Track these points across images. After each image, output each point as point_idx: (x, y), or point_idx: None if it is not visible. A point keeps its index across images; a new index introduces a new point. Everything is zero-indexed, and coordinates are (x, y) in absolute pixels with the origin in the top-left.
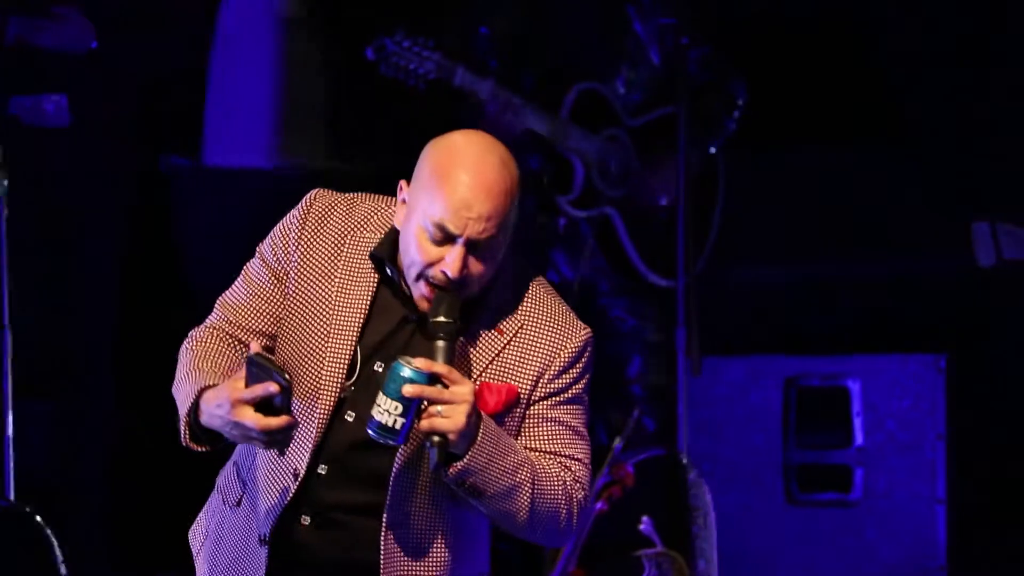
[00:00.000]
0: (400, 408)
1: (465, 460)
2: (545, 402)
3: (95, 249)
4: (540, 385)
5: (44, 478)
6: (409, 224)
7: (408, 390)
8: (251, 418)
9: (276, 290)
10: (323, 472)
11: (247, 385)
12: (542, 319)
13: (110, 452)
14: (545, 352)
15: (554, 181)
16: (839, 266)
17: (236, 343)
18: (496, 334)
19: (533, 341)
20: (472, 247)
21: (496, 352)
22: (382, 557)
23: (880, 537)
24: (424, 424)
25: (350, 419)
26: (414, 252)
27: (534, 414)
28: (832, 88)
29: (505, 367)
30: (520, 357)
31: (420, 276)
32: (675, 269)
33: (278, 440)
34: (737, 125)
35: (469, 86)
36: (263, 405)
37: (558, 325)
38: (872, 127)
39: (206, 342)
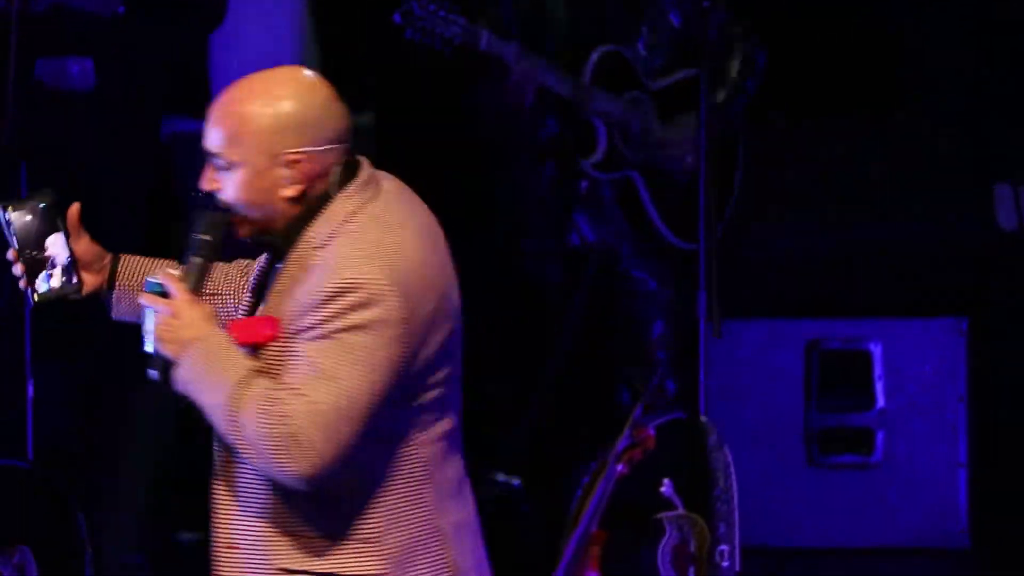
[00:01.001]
0: (150, 317)
1: (176, 371)
2: (298, 336)
3: (116, 212)
4: (297, 319)
5: (64, 440)
6: None
7: (140, 299)
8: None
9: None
10: None
11: None
12: (329, 258)
13: (131, 414)
14: (312, 289)
15: (577, 144)
16: (861, 230)
17: None
18: (300, 272)
19: (312, 276)
20: (215, 162)
21: (286, 287)
22: (213, 501)
23: (901, 500)
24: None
25: None
26: None
27: (290, 347)
28: (854, 52)
29: (285, 300)
30: (298, 292)
31: None
32: (696, 232)
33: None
34: (757, 89)
35: (495, 50)
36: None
37: (333, 266)
38: (894, 91)
39: None
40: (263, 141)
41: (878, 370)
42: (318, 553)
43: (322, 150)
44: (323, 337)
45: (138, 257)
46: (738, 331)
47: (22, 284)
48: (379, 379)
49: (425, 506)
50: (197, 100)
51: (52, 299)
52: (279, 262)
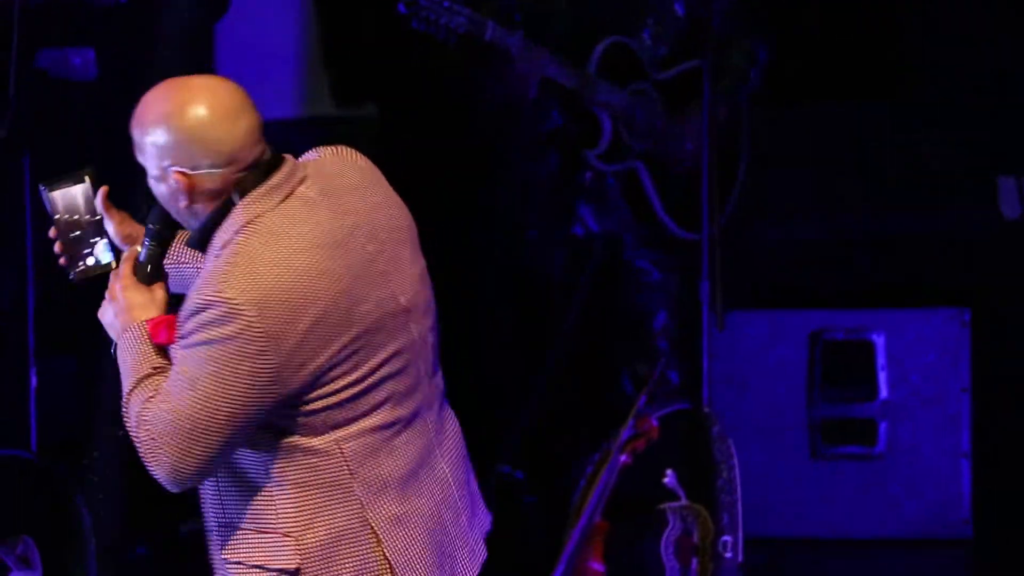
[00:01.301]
0: None
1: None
2: (178, 342)
3: (120, 203)
4: (180, 327)
5: (67, 431)
6: None
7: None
8: None
9: None
10: None
11: None
12: (207, 270)
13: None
14: (188, 299)
15: (581, 135)
16: (864, 220)
17: None
18: (196, 273)
19: (198, 282)
20: None
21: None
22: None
23: (904, 491)
24: None
25: None
26: None
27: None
28: (858, 42)
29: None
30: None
31: None
32: (700, 223)
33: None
34: (761, 80)
35: (499, 41)
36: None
37: (204, 280)
38: (897, 81)
39: None
40: (152, 155)
41: (881, 361)
42: (248, 544)
43: (202, 173)
44: (188, 347)
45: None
46: (741, 322)
47: (62, 261)
48: (242, 390)
49: (349, 501)
50: None
51: (93, 275)
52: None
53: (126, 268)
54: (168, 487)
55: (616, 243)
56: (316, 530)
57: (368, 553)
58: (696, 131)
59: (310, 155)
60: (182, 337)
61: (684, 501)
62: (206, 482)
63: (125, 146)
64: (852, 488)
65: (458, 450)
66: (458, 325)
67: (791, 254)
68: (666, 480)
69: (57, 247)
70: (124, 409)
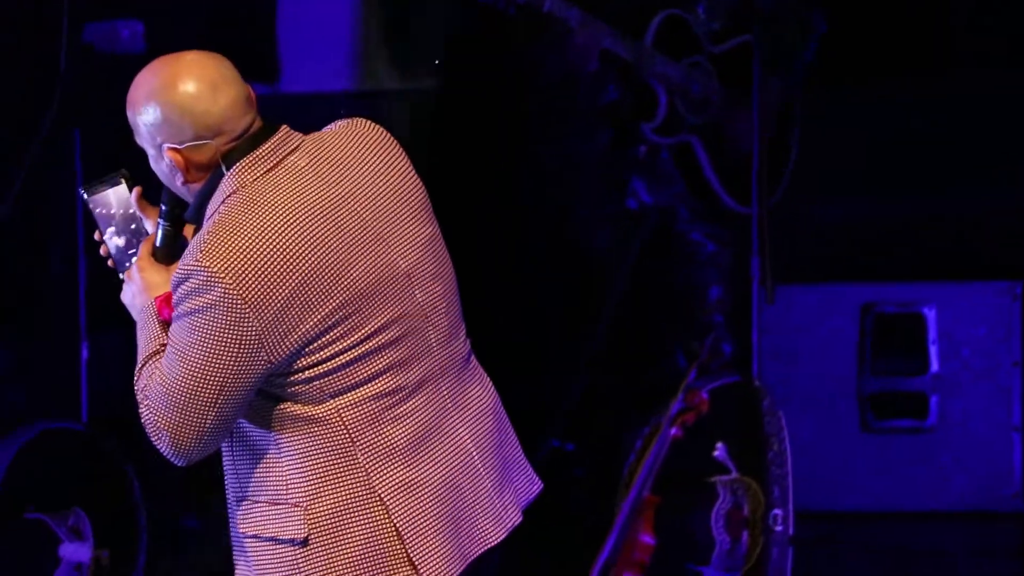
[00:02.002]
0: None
1: None
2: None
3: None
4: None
5: (117, 404)
6: None
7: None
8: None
9: None
10: None
11: None
12: (193, 240)
13: None
14: (176, 270)
15: (637, 108)
16: (915, 193)
17: None
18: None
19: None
20: None
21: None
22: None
23: (955, 464)
24: None
25: None
26: None
27: None
28: (912, 18)
29: None
30: None
31: None
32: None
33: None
34: (816, 55)
35: (558, 12)
36: None
37: (189, 250)
38: (949, 58)
39: None
40: (146, 134)
41: (932, 334)
42: (261, 517)
43: (191, 146)
44: (176, 318)
45: None
46: (793, 295)
47: (110, 263)
48: (228, 359)
49: (354, 469)
50: (260, 62)
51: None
52: None
53: (143, 249)
54: (174, 461)
55: (669, 216)
56: (323, 499)
57: (376, 521)
58: (749, 105)
59: (327, 128)
60: (173, 307)
61: (734, 474)
62: (224, 457)
63: None
64: (903, 461)
65: (487, 416)
66: (509, 298)
67: (843, 228)
68: (716, 453)
69: (102, 250)
70: (135, 388)
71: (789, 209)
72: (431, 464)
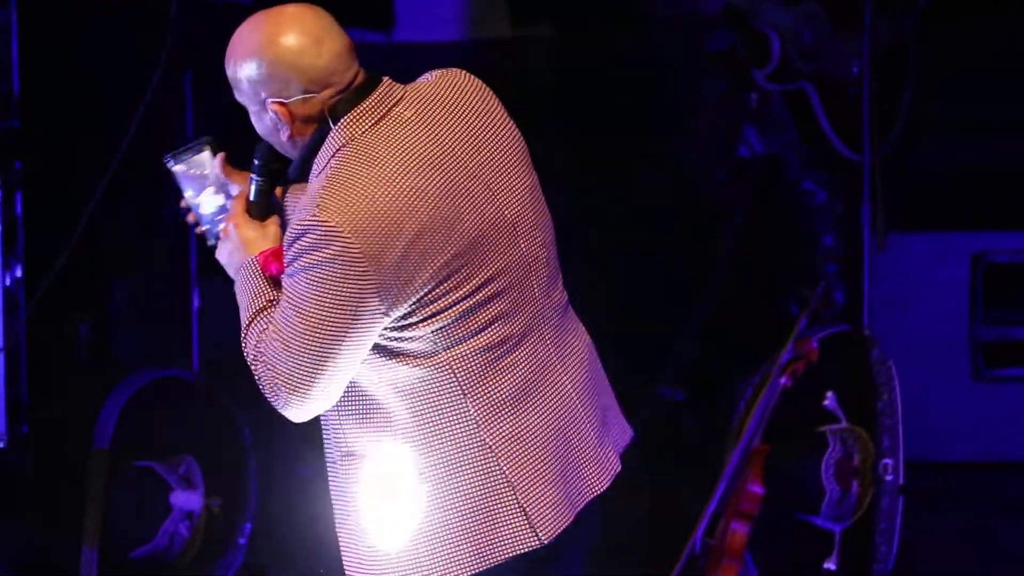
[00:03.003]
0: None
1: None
2: (286, 271)
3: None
4: (286, 254)
5: (228, 351)
6: None
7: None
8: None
9: None
10: None
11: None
12: (307, 194)
13: None
14: (289, 226)
15: (751, 55)
16: None
17: None
18: (299, 201)
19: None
20: None
21: (288, 216)
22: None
23: None
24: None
25: None
26: None
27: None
28: None
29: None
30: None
31: None
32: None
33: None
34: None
35: None
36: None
37: (303, 204)
38: None
39: None
40: (248, 89)
41: None
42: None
43: (297, 100)
44: (292, 274)
45: None
46: (904, 244)
47: (199, 230)
48: (346, 313)
49: (466, 421)
50: (376, 11)
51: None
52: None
53: (238, 206)
54: (292, 418)
55: (781, 165)
56: (435, 453)
57: (487, 473)
58: (862, 50)
59: (421, 78)
60: (287, 263)
61: (844, 424)
62: (327, 413)
63: None
64: (1014, 410)
65: (584, 365)
66: (621, 246)
67: (955, 176)
68: (826, 403)
69: (190, 217)
70: (243, 345)
71: (901, 156)
72: (538, 414)
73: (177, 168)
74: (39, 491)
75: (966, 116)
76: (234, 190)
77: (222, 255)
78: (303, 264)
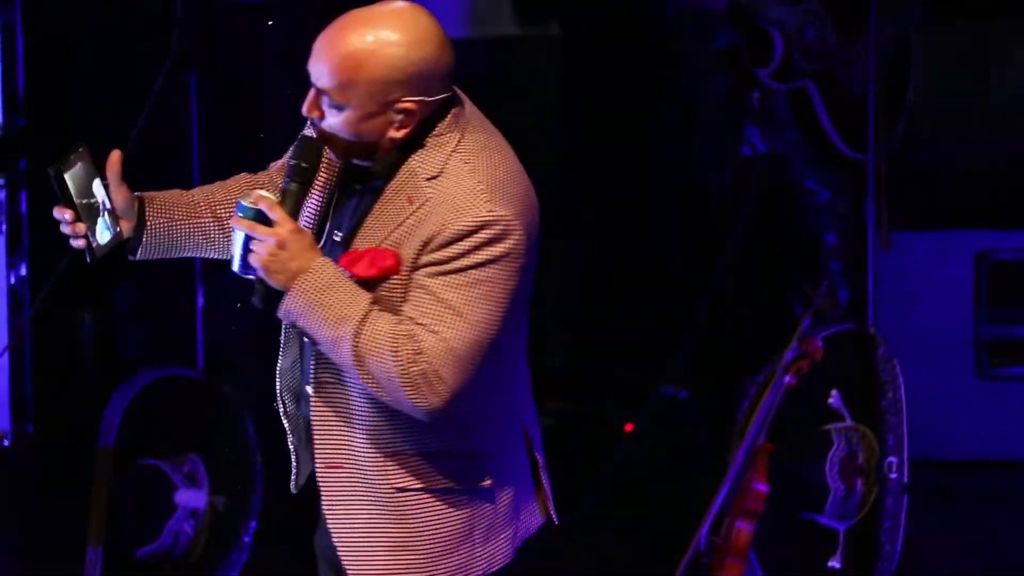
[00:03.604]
0: (240, 239)
1: (282, 302)
2: (422, 271)
3: (284, 122)
4: (422, 254)
5: (233, 350)
6: None
7: (232, 220)
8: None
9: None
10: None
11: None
12: (449, 192)
13: None
14: (435, 224)
15: (753, 54)
16: None
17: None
18: (406, 203)
19: (432, 211)
20: (321, 94)
21: (400, 221)
22: (312, 424)
23: None
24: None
25: None
26: None
27: (413, 282)
28: None
29: (402, 235)
30: (417, 226)
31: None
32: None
33: (71, 235)
34: None
35: None
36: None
37: (461, 200)
38: None
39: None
40: (378, 91)
41: None
42: (429, 470)
43: (435, 99)
44: (453, 272)
45: (158, 194)
46: (908, 242)
47: (80, 243)
48: (504, 312)
49: (513, 412)
50: None
51: (107, 252)
52: (358, 186)
53: (281, 212)
54: (428, 418)
55: (783, 164)
56: (494, 446)
57: (524, 460)
58: (865, 51)
59: None
60: (437, 263)
61: (849, 422)
62: (364, 410)
63: (290, 65)
64: (1019, 409)
65: None
66: (626, 242)
67: (958, 174)
68: (831, 401)
69: (68, 228)
70: (352, 353)
71: (904, 155)
72: (534, 414)
73: (66, 177)
74: (44, 490)
75: (969, 113)
76: (117, 197)
77: (275, 264)
78: (474, 261)
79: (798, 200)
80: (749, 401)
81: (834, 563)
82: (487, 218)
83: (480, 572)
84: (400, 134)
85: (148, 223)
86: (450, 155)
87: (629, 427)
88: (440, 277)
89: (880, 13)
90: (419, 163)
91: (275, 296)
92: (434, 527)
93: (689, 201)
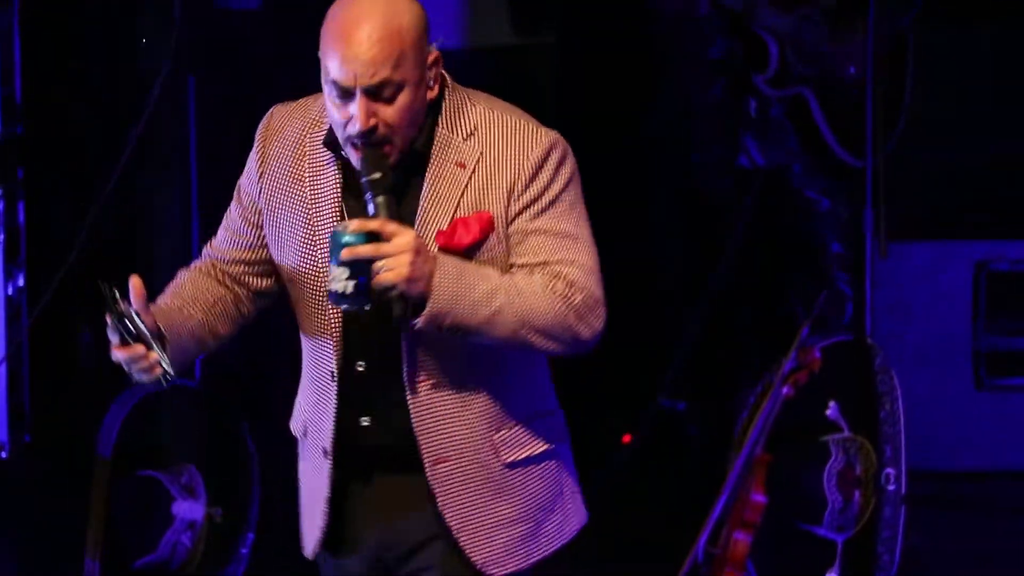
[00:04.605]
0: (347, 273)
1: (428, 305)
2: (522, 216)
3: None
4: (512, 202)
5: (232, 359)
6: (324, 94)
7: (344, 253)
8: (118, 352)
9: (246, 223)
10: (361, 368)
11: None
12: (498, 139)
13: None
14: (508, 169)
15: (748, 60)
16: None
17: (215, 271)
18: (458, 169)
19: (495, 163)
20: (373, 95)
21: (463, 186)
22: (415, 425)
23: None
24: (375, 283)
25: None
26: (332, 118)
27: (516, 231)
28: None
29: (476, 197)
30: (487, 182)
31: (347, 141)
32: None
33: (147, 368)
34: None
35: None
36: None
37: (515, 139)
38: None
39: (179, 278)
40: (418, 52)
41: None
42: (528, 437)
43: (438, 42)
44: (549, 206)
45: (158, 306)
46: (906, 252)
47: (158, 371)
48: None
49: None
50: None
51: (175, 375)
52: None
53: (396, 223)
54: (593, 343)
55: (783, 175)
56: (555, 397)
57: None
58: (861, 56)
59: None
60: (529, 204)
61: (847, 433)
62: (465, 392)
63: (289, 74)
64: (1018, 419)
65: None
66: (622, 251)
67: (956, 182)
68: (828, 412)
69: (152, 357)
70: (517, 319)
71: (902, 161)
72: None
73: (123, 317)
74: (41, 501)
75: (968, 119)
76: (146, 321)
77: (416, 271)
78: (560, 187)
79: (799, 210)
80: (747, 412)
81: (832, 574)
82: (547, 141)
83: (574, 529)
84: (433, 93)
85: (168, 339)
86: (471, 109)
87: (627, 438)
88: (542, 216)
89: (878, 15)
90: (447, 129)
91: (419, 306)
92: (538, 492)
93: (687, 210)
